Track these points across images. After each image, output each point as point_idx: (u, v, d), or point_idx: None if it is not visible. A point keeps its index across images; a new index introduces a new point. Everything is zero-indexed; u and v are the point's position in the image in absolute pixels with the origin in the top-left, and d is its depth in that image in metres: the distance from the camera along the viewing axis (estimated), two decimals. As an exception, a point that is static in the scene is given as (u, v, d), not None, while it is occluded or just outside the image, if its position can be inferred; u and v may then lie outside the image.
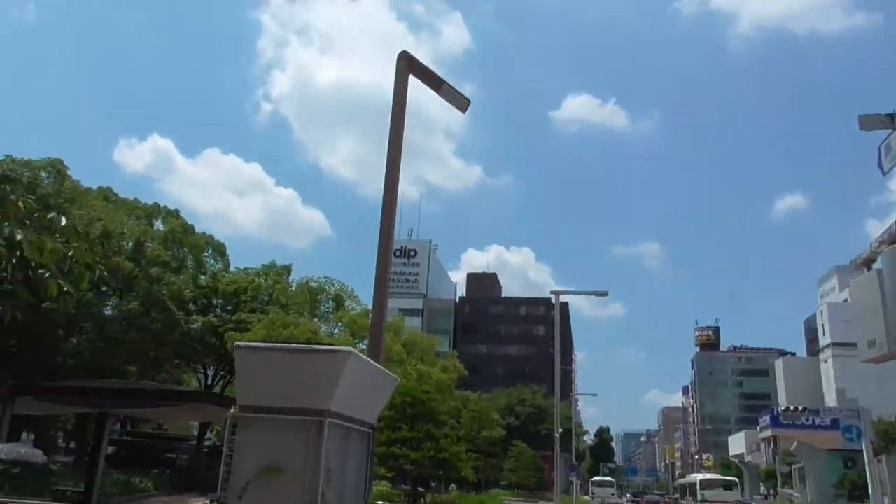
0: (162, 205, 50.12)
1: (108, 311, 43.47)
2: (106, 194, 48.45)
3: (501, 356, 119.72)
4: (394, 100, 16.66)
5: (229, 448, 10.42)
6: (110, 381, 14.99)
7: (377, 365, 13.95)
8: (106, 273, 38.74)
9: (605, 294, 45.67)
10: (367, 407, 13.87)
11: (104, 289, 44.82)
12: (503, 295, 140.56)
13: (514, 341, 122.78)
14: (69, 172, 43.67)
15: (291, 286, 49.96)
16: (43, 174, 41.35)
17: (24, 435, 49.57)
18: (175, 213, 50.04)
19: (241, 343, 11.85)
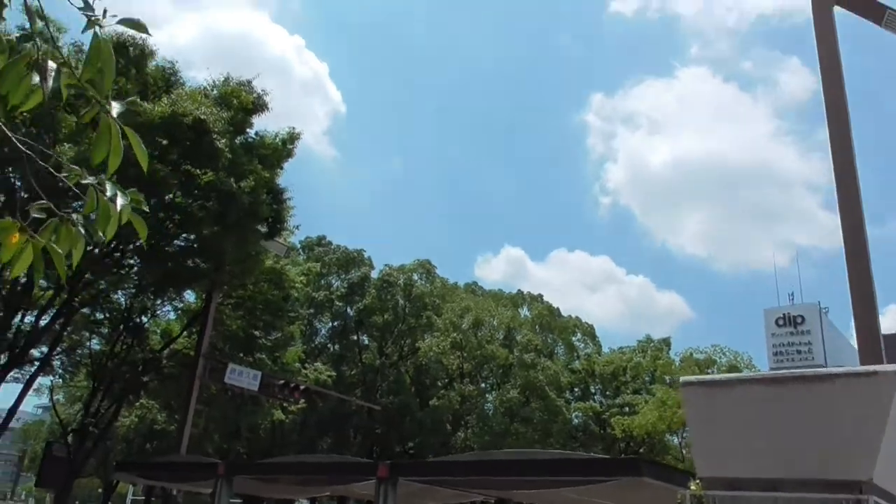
0: (525, 291, 49.20)
1: (488, 405, 42.49)
2: (473, 289, 49.17)
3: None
4: (818, 39, 11.56)
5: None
6: (512, 451, 11.16)
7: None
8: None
9: None
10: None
11: (483, 385, 44.27)
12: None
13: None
14: (437, 272, 45.07)
15: (674, 361, 44.11)
16: (415, 276, 43.04)
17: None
18: (539, 298, 48.57)
19: (692, 378, 7.44)
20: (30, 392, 25.55)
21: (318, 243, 43.43)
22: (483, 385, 44.00)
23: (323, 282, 42.78)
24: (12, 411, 20.05)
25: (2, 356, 19.73)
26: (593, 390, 46.96)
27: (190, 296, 27.70)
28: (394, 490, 9.80)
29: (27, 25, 13.56)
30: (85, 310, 26.80)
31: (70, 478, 22.90)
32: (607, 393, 45.20)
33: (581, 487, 8.90)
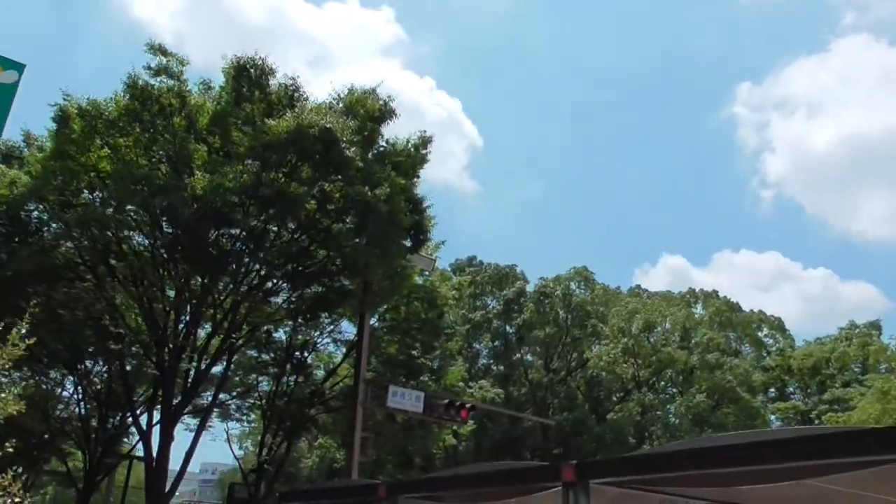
0: (697, 289, 45.13)
1: (672, 415, 38.85)
2: (637, 293, 45.89)
3: None
4: None
5: None
6: (739, 433, 8.64)
7: None
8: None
9: None
10: None
11: (663, 394, 40.74)
12: None
13: None
14: (595, 278, 42.49)
15: (888, 346, 38.20)
16: (572, 285, 40.72)
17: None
18: (714, 294, 44.29)
19: None
20: (203, 437, 26.18)
21: (468, 264, 42.37)
22: (663, 395, 40.44)
23: (478, 302, 41.54)
24: (189, 454, 20.12)
25: (174, 401, 19.87)
26: (791, 389, 41.87)
27: (347, 327, 27.35)
28: (585, 496, 7.80)
29: (152, 64, 13.07)
30: (252, 352, 27.20)
31: (252, 518, 22.79)
32: (809, 390, 40.02)
33: (846, 475, 6.46)
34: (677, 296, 45.03)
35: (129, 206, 16.22)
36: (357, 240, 17.57)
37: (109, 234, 17.74)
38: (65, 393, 29.30)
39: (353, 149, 16.93)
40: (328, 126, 16.33)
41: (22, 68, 35.44)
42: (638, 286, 47.08)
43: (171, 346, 18.38)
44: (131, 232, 18.88)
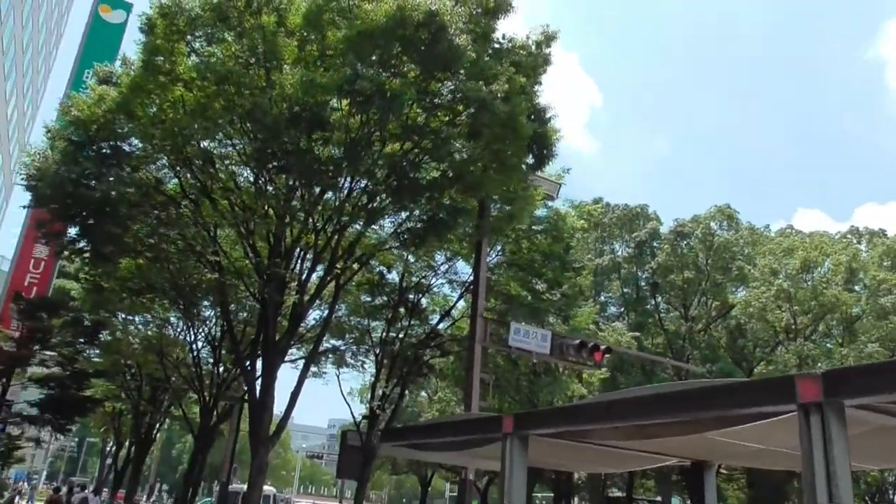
0: (861, 227, 39.39)
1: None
2: (787, 233, 40.76)
3: None
4: None
5: None
6: None
7: None
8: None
9: None
10: None
11: (823, 345, 35.89)
12: None
13: None
14: (739, 217, 37.88)
15: None
16: (713, 224, 36.41)
17: None
18: (881, 233, 38.50)
19: None
20: (325, 390, 25.08)
21: (594, 205, 38.91)
22: (823, 345, 35.59)
23: (605, 247, 38.12)
24: (294, 396, 18.57)
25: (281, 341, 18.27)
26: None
27: (463, 268, 25.15)
28: (838, 423, 4.77)
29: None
30: (366, 297, 25.58)
31: (365, 465, 21.26)
32: None
33: None
34: (835, 237, 39.56)
35: (213, 110, 14.32)
36: (470, 146, 15.04)
37: (211, 169, 16.39)
38: (187, 338, 29.01)
39: (463, 36, 14.27)
40: (434, 8, 13.74)
41: (130, 8, 34.98)
42: (790, 226, 41.80)
43: (268, 274, 16.68)
44: (230, 164, 17.40)
